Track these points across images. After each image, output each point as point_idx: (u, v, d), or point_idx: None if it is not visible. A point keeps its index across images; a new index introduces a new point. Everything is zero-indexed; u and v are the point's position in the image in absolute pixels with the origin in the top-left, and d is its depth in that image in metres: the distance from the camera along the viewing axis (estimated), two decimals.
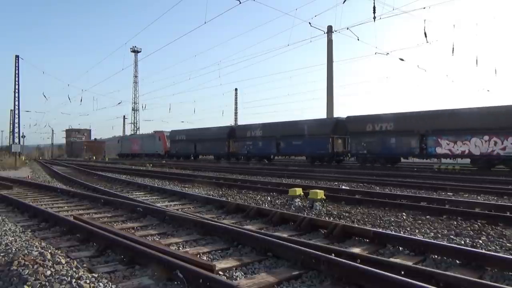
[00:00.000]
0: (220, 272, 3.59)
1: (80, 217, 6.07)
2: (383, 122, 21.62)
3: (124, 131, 75.05)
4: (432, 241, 4.53)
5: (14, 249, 3.92)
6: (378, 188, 11.11)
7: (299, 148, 26.77)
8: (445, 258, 3.99)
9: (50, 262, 3.39)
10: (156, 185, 11.96)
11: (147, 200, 8.76)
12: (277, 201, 8.44)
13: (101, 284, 2.96)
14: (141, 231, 5.55)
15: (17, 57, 48.97)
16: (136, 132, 70.48)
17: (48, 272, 3.13)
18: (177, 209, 7.14)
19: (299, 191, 8.05)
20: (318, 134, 25.01)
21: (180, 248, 4.55)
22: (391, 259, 3.88)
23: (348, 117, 24.21)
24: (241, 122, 63.13)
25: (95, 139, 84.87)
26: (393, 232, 5.23)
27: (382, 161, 22.10)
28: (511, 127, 17.14)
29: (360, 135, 22.70)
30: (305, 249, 3.76)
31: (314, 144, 25.21)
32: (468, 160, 20.21)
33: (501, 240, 4.87)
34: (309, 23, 24.00)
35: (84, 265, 3.75)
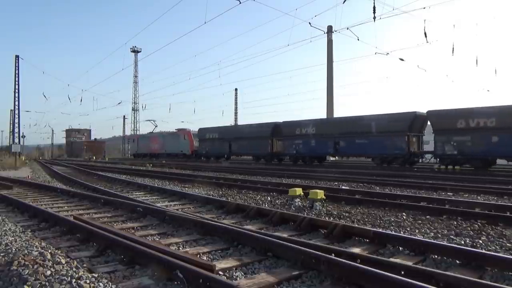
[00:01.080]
0: (220, 272, 3.59)
1: (80, 217, 6.07)
2: (481, 118, 18.36)
3: (124, 131, 75.03)
4: (432, 241, 4.53)
5: (14, 249, 3.92)
6: (378, 188, 11.11)
7: (363, 148, 22.93)
8: (445, 258, 3.99)
9: (50, 262, 3.39)
10: (156, 185, 11.95)
11: (147, 200, 8.76)
12: (277, 201, 8.44)
13: (101, 284, 2.96)
14: (141, 231, 5.55)
15: (17, 57, 49.03)
16: (136, 132, 70.48)
17: (48, 272, 3.12)
18: (177, 209, 7.14)
19: (299, 191, 8.05)
20: (391, 131, 21.42)
21: (180, 248, 4.55)
22: (391, 259, 3.88)
23: (432, 112, 20.78)
24: (241, 122, 63.08)
25: (95, 139, 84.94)
26: (393, 232, 5.23)
27: (477, 163, 19.06)
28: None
29: (449, 132, 19.40)
30: (305, 249, 3.76)
31: (384, 143, 21.61)
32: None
33: (501, 240, 4.86)
34: (309, 23, 24.04)
35: (84, 265, 3.75)
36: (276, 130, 28.85)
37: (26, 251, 3.72)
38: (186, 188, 11.42)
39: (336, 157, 28.34)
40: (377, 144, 22.16)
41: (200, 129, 37.01)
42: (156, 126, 49.87)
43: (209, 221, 5.39)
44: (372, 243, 4.65)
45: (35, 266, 3.22)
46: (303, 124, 26.78)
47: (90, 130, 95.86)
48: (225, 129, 34.87)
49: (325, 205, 7.54)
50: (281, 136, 28.68)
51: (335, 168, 20.98)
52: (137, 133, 70.57)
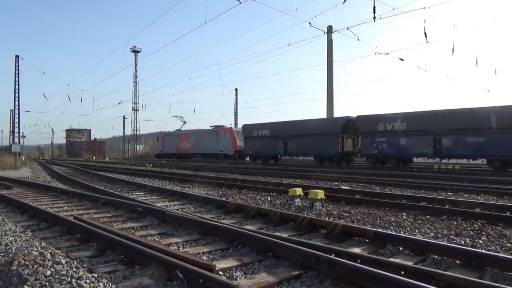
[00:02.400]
0: (220, 272, 3.59)
1: (80, 217, 6.07)
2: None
3: (124, 131, 74.96)
4: (432, 241, 4.53)
5: (14, 249, 3.92)
6: (378, 188, 11.11)
7: (480, 147, 18.53)
8: (445, 258, 3.99)
9: (50, 262, 3.38)
10: (156, 185, 11.96)
11: (147, 200, 8.76)
12: (277, 201, 8.44)
13: (101, 284, 2.96)
14: (141, 231, 5.55)
15: (17, 57, 49.02)
16: (136, 132, 70.45)
17: (48, 272, 3.12)
18: (177, 209, 7.14)
19: (299, 191, 8.05)
20: None
21: (180, 248, 4.55)
22: (391, 259, 3.88)
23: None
24: (241, 122, 63.02)
25: (95, 139, 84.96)
26: (393, 232, 5.23)
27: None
28: None
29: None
30: (305, 249, 3.76)
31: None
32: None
33: (501, 240, 4.87)
34: (309, 23, 24.01)
35: (84, 265, 3.75)
36: (349, 126, 24.30)
37: (26, 251, 3.72)
38: (186, 188, 11.42)
39: (436, 159, 22.07)
40: (500, 143, 17.73)
41: (245, 126, 32.24)
42: (184, 123, 44.19)
43: (209, 221, 5.39)
44: (372, 243, 4.65)
45: (35, 266, 3.22)
46: (388, 118, 21.82)
47: (90, 130, 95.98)
48: (279, 125, 29.32)
49: (325, 205, 7.54)
50: (353, 134, 24.52)
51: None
52: (137, 133, 70.53)
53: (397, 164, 21.71)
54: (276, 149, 28.70)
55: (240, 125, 48.28)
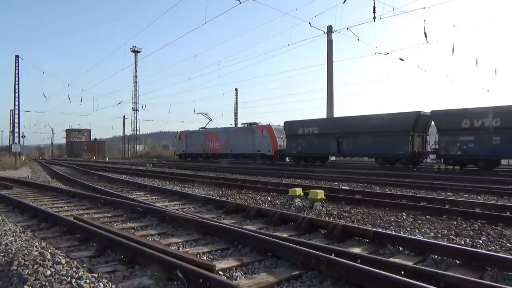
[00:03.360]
0: (220, 272, 3.59)
1: (80, 217, 6.07)
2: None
3: (124, 131, 74.89)
4: (432, 241, 4.53)
5: (14, 249, 3.92)
6: (378, 188, 11.11)
7: None
8: (445, 258, 3.99)
9: (50, 262, 3.38)
10: (156, 185, 11.96)
11: (147, 200, 8.76)
12: (277, 201, 8.44)
13: (101, 284, 2.96)
14: (141, 231, 5.55)
15: (17, 57, 49.01)
16: (136, 132, 70.39)
17: (48, 272, 3.12)
18: (177, 209, 7.14)
19: (299, 191, 8.05)
20: None
21: (180, 248, 4.55)
22: (391, 259, 3.88)
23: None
24: (241, 122, 62.86)
25: (95, 139, 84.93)
26: (393, 232, 5.23)
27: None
28: None
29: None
30: (305, 249, 3.76)
31: None
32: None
33: (501, 240, 4.87)
34: (309, 23, 24.00)
35: (84, 265, 3.75)
36: (418, 122, 20.91)
37: (26, 251, 3.72)
38: (186, 188, 11.42)
39: None
40: None
41: (288, 123, 28.25)
42: (210, 120, 39.82)
43: (209, 221, 5.39)
44: (372, 243, 4.65)
45: (35, 266, 3.22)
46: (475, 113, 18.55)
47: (90, 130, 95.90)
48: (331, 122, 26.09)
49: (325, 205, 7.54)
50: (421, 131, 21.42)
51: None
52: (137, 133, 70.41)
53: (485, 167, 18.74)
54: (326, 149, 25.02)
55: (240, 125, 47.73)
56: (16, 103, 50.06)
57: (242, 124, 34.76)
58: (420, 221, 6.07)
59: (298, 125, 27.06)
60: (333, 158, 28.42)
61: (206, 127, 38.92)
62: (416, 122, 20.75)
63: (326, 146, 24.98)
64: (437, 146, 20.49)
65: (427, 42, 19.23)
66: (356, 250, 4.29)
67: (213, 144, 35.94)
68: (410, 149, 20.63)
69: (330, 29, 30.26)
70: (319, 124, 26.08)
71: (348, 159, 29.45)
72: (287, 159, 29.36)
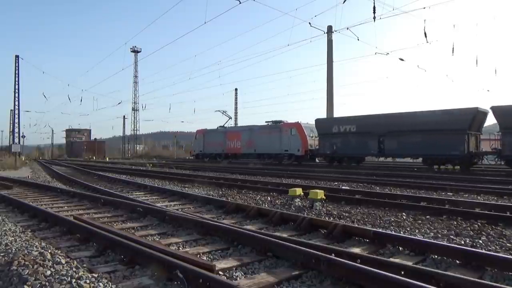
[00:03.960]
0: (220, 272, 3.59)
1: (80, 217, 6.07)
2: None
3: (124, 131, 74.87)
4: (432, 241, 4.53)
5: (14, 249, 3.92)
6: (378, 188, 11.11)
7: None
8: (445, 258, 3.99)
9: (50, 262, 3.38)
10: (156, 185, 11.96)
11: (147, 200, 8.76)
12: (277, 201, 8.44)
13: (101, 284, 2.96)
14: (141, 231, 5.55)
15: (17, 57, 49.09)
16: (136, 132, 70.34)
17: (48, 272, 3.12)
18: (177, 209, 7.14)
19: (299, 191, 8.05)
20: None
21: (180, 248, 4.55)
22: (391, 259, 3.88)
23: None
24: (241, 122, 62.93)
25: (95, 139, 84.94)
26: (393, 232, 5.23)
27: None
28: None
29: None
30: (305, 249, 3.76)
31: None
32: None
33: (501, 240, 4.87)
34: (309, 23, 24.00)
35: (84, 265, 3.75)
36: (475, 120, 18.70)
37: (26, 251, 3.72)
38: (186, 188, 11.42)
39: None
40: None
41: (320, 120, 26.01)
42: (230, 118, 37.81)
43: (209, 221, 5.39)
44: (372, 243, 4.65)
45: (35, 266, 3.22)
46: None
47: (90, 130, 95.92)
48: (371, 119, 22.81)
49: (325, 205, 7.54)
50: (475, 130, 19.28)
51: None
52: (137, 133, 70.35)
53: None
54: (366, 149, 22.69)
55: (240, 125, 45.48)
56: (16, 103, 50.14)
57: (266, 122, 31.57)
58: (420, 221, 6.07)
59: (333, 123, 24.71)
60: (368, 159, 26.44)
61: (225, 125, 36.54)
62: (473, 120, 18.58)
63: (365, 146, 22.58)
64: (498, 146, 18.59)
65: (427, 42, 19.26)
66: (356, 250, 4.29)
67: (234, 144, 33.22)
68: (466, 150, 18.40)
69: (330, 29, 30.26)
70: (357, 122, 23.36)
71: (389, 160, 25.88)
72: (317, 160, 27.50)
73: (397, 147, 21.20)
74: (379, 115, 22.67)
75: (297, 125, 27.98)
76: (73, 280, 2.95)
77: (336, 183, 12.71)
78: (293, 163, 26.93)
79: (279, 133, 28.99)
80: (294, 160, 27.72)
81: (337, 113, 31.34)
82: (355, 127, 23.38)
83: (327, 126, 24.99)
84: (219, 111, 37.71)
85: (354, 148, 23.23)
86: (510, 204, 7.26)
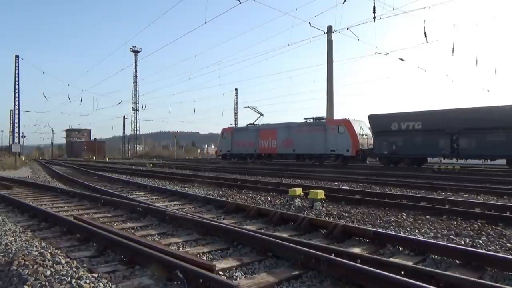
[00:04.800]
0: (220, 272, 3.59)
1: (80, 217, 6.07)
2: None
3: (124, 131, 74.88)
4: (432, 241, 4.53)
5: (14, 249, 3.92)
6: (378, 188, 11.11)
7: None
8: (445, 258, 3.99)
9: (50, 262, 3.38)
10: (156, 185, 11.96)
11: (147, 200, 8.76)
12: (277, 201, 8.44)
13: (101, 284, 2.96)
14: (141, 231, 5.55)
15: (17, 57, 49.09)
16: (136, 132, 70.31)
17: (48, 272, 3.12)
18: (177, 209, 7.14)
19: (299, 191, 8.04)
20: None
21: (180, 248, 4.55)
22: (391, 259, 3.88)
23: None
24: (241, 122, 62.85)
25: (95, 139, 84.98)
26: (393, 232, 5.23)
27: None
28: None
29: None
30: (305, 249, 3.76)
31: None
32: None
33: (501, 240, 4.87)
34: (309, 23, 24.01)
35: (84, 265, 3.75)
36: None
37: (26, 251, 3.72)
38: (186, 188, 11.42)
39: None
40: None
41: (375, 117, 22.79)
42: (261, 115, 33.48)
43: (209, 221, 5.39)
44: (372, 243, 4.65)
45: (35, 266, 3.22)
46: None
47: (90, 130, 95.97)
48: (441, 115, 20.00)
49: (325, 205, 7.54)
50: None
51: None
52: (137, 133, 70.31)
53: None
54: (434, 149, 19.91)
55: (240, 126, 44.00)
56: (16, 103, 50.14)
57: (305, 119, 28.17)
58: (420, 221, 6.07)
59: (392, 119, 21.45)
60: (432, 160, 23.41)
61: (256, 123, 32.82)
62: None
63: (433, 146, 19.72)
64: None
65: (427, 42, 19.24)
66: (356, 250, 4.29)
67: (268, 143, 29.66)
68: None
69: (330, 29, 30.25)
70: (423, 118, 20.42)
71: (462, 161, 21.82)
72: (367, 161, 24.93)
73: (475, 147, 18.43)
74: (452, 109, 19.81)
75: (346, 122, 24.72)
76: (73, 280, 2.95)
77: (336, 183, 12.71)
78: (339, 164, 24.19)
79: (324, 131, 25.57)
80: (342, 160, 24.72)
81: (337, 113, 31.27)
82: (420, 124, 20.33)
83: (385, 123, 21.76)
84: (248, 107, 34.12)
85: (419, 148, 20.21)
86: (510, 204, 7.25)
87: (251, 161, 30.77)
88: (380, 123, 22.31)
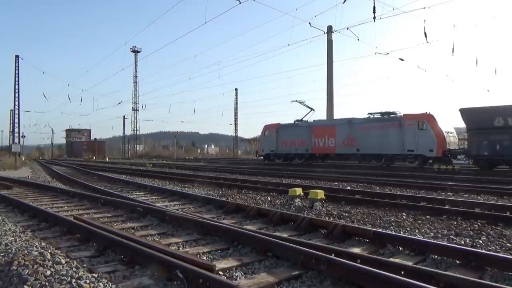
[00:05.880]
0: (220, 272, 3.59)
1: (80, 217, 6.07)
2: None
3: (124, 131, 74.87)
4: (432, 241, 4.53)
5: (14, 249, 3.92)
6: (378, 188, 11.11)
7: None
8: (445, 258, 3.99)
9: (50, 262, 3.38)
10: (156, 185, 11.95)
11: (147, 200, 8.76)
12: (277, 201, 8.44)
13: (101, 284, 2.96)
14: (141, 231, 5.55)
15: (17, 57, 48.96)
16: (136, 132, 70.28)
17: (48, 272, 3.12)
18: (177, 209, 7.14)
19: (299, 191, 8.04)
20: None
21: (180, 248, 4.55)
22: (391, 259, 3.88)
23: None
24: (241, 122, 62.44)
25: (95, 139, 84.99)
26: (393, 232, 5.22)
27: None
28: None
29: None
30: (305, 249, 3.75)
31: None
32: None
33: (501, 240, 4.87)
34: (309, 23, 23.98)
35: (84, 265, 3.75)
36: None
37: (26, 251, 3.72)
38: (186, 188, 11.42)
39: None
40: None
41: (469, 110, 18.71)
42: (312, 110, 28.91)
43: (209, 221, 5.39)
44: (372, 243, 4.65)
45: (35, 266, 3.22)
46: None
47: (90, 130, 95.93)
48: None
49: (325, 205, 7.54)
50: None
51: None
52: (137, 133, 70.29)
53: None
54: None
55: (240, 126, 43.99)
56: (16, 103, 50.03)
57: (369, 114, 24.22)
58: (420, 221, 6.07)
59: (496, 113, 17.64)
60: None
61: (305, 119, 28.59)
62: None
63: None
64: None
65: (427, 42, 19.22)
66: (356, 250, 4.29)
67: (324, 141, 25.64)
68: None
69: (330, 29, 30.26)
70: None
71: None
72: (453, 165, 20.15)
73: None
74: None
75: (429, 117, 20.77)
76: (73, 280, 2.95)
77: (336, 183, 12.71)
78: (415, 167, 20.57)
79: (399, 127, 21.65)
80: (421, 163, 21.01)
81: (337, 114, 31.18)
82: None
83: (486, 118, 17.88)
84: (296, 101, 29.33)
85: None
86: (510, 204, 7.25)
87: (300, 162, 27.24)
88: (479, 119, 18.20)
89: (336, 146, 25.02)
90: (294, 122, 29.13)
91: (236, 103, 65.25)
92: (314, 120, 28.02)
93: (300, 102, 28.96)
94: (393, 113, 23.05)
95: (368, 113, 24.27)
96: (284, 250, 3.93)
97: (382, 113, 23.53)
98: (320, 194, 7.41)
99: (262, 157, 31.41)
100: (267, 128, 30.45)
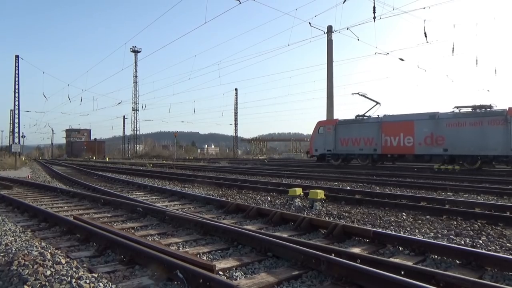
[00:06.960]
0: (220, 272, 3.59)
1: (80, 217, 6.07)
2: None
3: (124, 131, 74.85)
4: (432, 241, 4.53)
5: (14, 249, 3.92)
6: (378, 188, 11.11)
7: None
8: (445, 258, 3.99)
9: (50, 262, 3.38)
10: (156, 185, 11.95)
11: (147, 200, 8.76)
12: (277, 201, 8.44)
13: (101, 284, 2.96)
14: (141, 231, 5.55)
15: (17, 57, 49.00)
16: (136, 132, 70.27)
17: (48, 272, 3.12)
18: (177, 209, 7.13)
19: (299, 191, 8.04)
20: None
21: (180, 248, 4.55)
22: (391, 259, 3.88)
23: None
24: (241, 122, 62.42)
25: (95, 139, 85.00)
26: (393, 232, 5.22)
27: None
28: None
29: None
30: (305, 249, 3.75)
31: None
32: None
33: (501, 240, 4.87)
34: (309, 23, 23.98)
35: (84, 265, 3.75)
36: None
37: (26, 251, 3.72)
38: (186, 188, 11.42)
39: None
40: None
41: None
42: (377, 104, 24.56)
43: (209, 221, 5.39)
44: (372, 243, 4.65)
45: (35, 266, 3.22)
46: None
47: (90, 130, 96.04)
48: None
49: (325, 205, 7.54)
50: None
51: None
52: (137, 133, 70.29)
53: None
54: None
55: (240, 126, 41.56)
56: (16, 103, 50.06)
57: (456, 107, 20.18)
58: (420, 221, 6.07)
59: None
60: None
61: (368, 114, 24.30)
62: None
63: None
64: None
65: (427, 42, 19.26)
66: (356, 250, 4.29)
67: (399, 140, 21.65)
68: None
69: (330, 29, 30.27)
70: None
71: None
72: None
73: None
74: None
75: None
76: (73, 280, 2.95)
77: (336, 183, 12.71)
78: None
79: (504, 123, 17.86)
80: None
81: (337, 114, 31.05)
82: None
83: None
84: (357, 93, 24.83)
85: None
86: (510, 204, 7.25)
87: (364, 164, 23.47)
88: None
89: (414, 145, 20.98)
90: (356, 117, 24.74)
91: (236, 103, 65.27)
92: (383, 116, 23.26)
93: (362, 95, 24.69)
94: (489, 106, 19.03)
95: (455, 107, 20.27)
96: (284, 250, 3.93)
97: (474, 107, 19.59)
98: (320, 194, 7.41)
99: (314, 157, 26.96)
100: (321, 124, 26.20)
